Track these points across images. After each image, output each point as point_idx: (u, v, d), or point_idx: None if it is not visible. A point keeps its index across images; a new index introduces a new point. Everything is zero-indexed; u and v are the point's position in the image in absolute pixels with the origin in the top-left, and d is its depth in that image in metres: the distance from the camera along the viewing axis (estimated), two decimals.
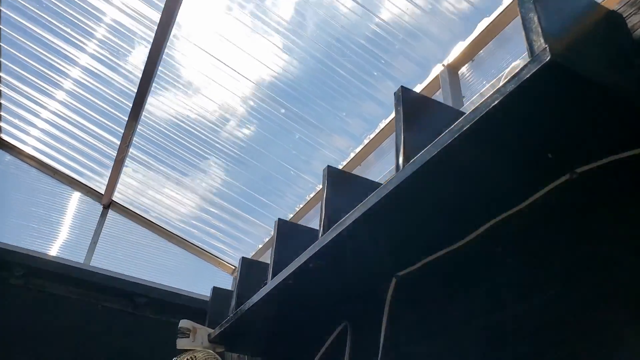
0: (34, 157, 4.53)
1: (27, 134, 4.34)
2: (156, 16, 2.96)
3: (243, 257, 2.85)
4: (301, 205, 3.78)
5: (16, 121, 4.26)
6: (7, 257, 3.61)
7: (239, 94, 3.41)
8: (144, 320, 3.89)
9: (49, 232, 4.38)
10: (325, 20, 2.85)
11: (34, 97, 3.95)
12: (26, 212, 4.40)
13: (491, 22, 2.28)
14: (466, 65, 2.45)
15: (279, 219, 2.42)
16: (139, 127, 3.69)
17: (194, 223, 4.59)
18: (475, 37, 2.37)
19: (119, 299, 3.98)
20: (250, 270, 2.73)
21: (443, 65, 2.50)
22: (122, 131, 3.70)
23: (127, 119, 3.60)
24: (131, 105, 3.48)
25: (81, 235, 4.46)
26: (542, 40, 1.00)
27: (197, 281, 4.74)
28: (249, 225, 4.34)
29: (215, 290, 3.13)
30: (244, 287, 2.58)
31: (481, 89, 2.33)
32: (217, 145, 3.79)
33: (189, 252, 4.80)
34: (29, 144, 4.44)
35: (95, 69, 3.56)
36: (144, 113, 3.56)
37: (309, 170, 3.62)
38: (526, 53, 1.04)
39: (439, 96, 2.54)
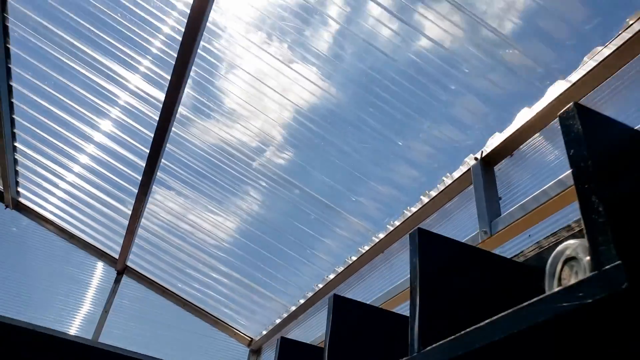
0: (51, 220, 4.44)
1: (46, 200, 4.27)
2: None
3: (282, 337, 2.39)
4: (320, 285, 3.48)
5: (34, 187, 4.20)
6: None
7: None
8: None
9: (63, 302, 4.21)
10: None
11: (52, 168, 3.89)
12: (39, 279, 4.26)
13: (536, 114, 1.98)
14: (504, 160, 2.13)
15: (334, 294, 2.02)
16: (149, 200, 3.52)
17: (209, 292, 4.34)
18: (516, 130, 2.06)
19: None
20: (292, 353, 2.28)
21: (476, 158, 2.19)
22: (133, 203, 3.53)
23: (136, 191, 3.43)
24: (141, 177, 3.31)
25: (94, 303, 4.28)
26: (614, 251, 0.69)
27: (211, 351, 4.46)
28: (264, 299, 4.05)
29: None
30: None
31: (522, 191, 2.01)
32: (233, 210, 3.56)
33: (204, 320, 4.53)
34: (47, 209, 4.37)
35: (109, 146, 3.46)
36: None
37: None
38: None
39: (471, 192, 2.22)
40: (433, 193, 2.55)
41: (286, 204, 3.22)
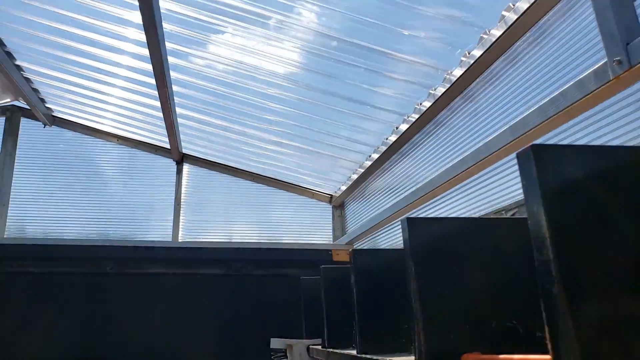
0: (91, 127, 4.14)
1: (75, 108, 3.90)
2: None
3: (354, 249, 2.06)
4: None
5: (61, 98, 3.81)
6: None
7: None
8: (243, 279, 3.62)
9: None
10: None
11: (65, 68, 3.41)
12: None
13: None
14: None
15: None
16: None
17: (273, 163, 4.00)
18: None
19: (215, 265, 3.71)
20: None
21: None
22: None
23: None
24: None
25: (165, 195, 4.14)
26: None
27: (300, 213, 4.31)
28: (333, 160, 3.64)
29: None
30: None
31: None
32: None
33: (279, 188, 4.30)
34: (83, 117, 4.03)
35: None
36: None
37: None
38: None
39: None
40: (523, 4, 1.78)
41: (326, 61, 2.56)
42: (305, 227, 4.28)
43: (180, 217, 4.03)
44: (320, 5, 2.32)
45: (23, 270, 3.32)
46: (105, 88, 3.47)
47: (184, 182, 4.15)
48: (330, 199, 4.29)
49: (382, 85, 2.61)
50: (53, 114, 4.14)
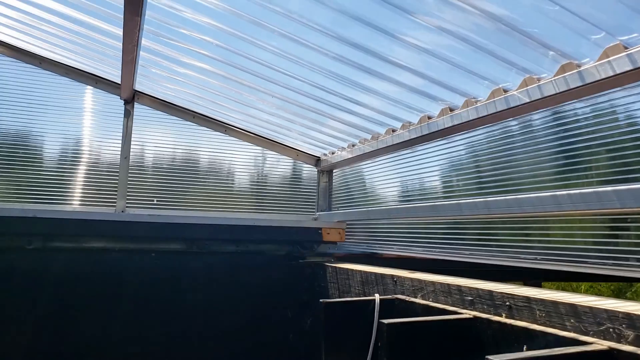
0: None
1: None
2: None
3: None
4: None
5: None
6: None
7: None
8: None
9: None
10: None
11: None
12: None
13: None
14: None
15: None
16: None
17: (250, 117, 3.16)
18: None
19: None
20: None
21: None
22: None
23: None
24: None
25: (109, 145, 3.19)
26: None
27: (280, 178, 3.55)
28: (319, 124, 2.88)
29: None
30: None
31: None
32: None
33: (257, 144, 3.49)
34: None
35: None
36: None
37: None
38: None
39: None
40: None
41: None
42: (286, 194, 3.55)
43: (127, 178, 3.13)
44: None
45: None
46: None
47: (134, 128, 3.21)
48: (317, 161, 3.56)
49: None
50: None
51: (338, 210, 3.42)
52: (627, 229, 1.60)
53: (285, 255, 3.15)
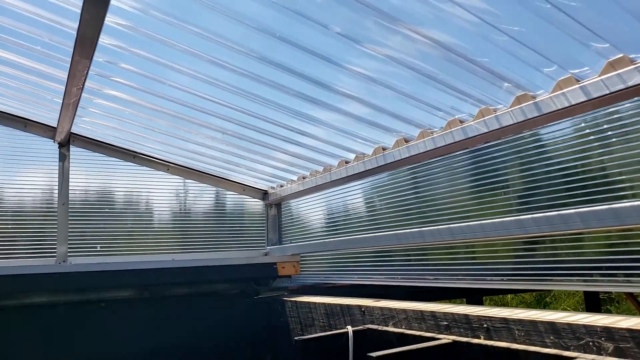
0: None
1: None
2: None
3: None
4: None
5: None
6: None
7: None
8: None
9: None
10: None
11: None
12: None
13: None
14: None
15: None
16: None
17: (194, 155, 3.10)
18: None
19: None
20: None
21: None
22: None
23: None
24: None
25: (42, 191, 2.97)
26: None
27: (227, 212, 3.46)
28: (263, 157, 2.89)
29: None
30: None
31: None
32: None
33: (203, 182, 3.40)
34: None
35: None
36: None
37: None
38: None
39: None
40: None
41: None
42: (235, 231, 3.47)
43: (68, 225, 2.93)
44: None
45: None
46: None
47: (72, 172, 3.02)
48: (264, 195, 3.53)
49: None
50: None
51: (291, 243, 3.40)
52: (543, 249, 1.77)
53: (239, 293, 3.08)
